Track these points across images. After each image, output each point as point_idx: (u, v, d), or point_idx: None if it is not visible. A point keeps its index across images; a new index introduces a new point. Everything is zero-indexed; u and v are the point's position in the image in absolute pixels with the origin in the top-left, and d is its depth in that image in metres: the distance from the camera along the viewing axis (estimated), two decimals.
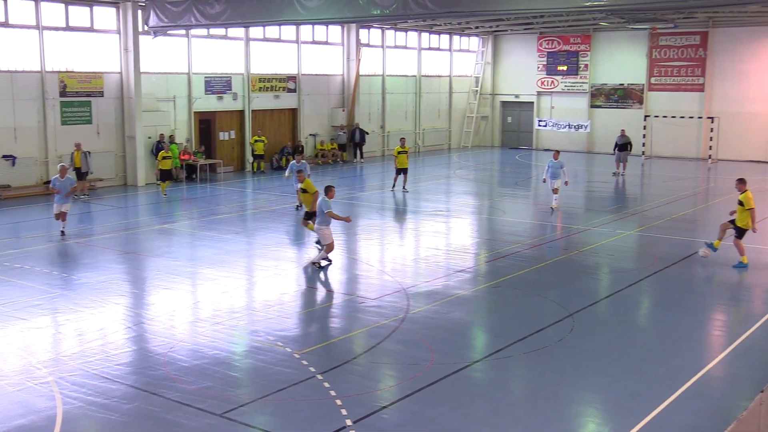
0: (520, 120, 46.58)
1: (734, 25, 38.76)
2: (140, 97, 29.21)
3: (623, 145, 33.94)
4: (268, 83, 35.08)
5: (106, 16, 28.82)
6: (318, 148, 37.67)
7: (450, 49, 45.17)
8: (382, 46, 40.85)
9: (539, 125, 44.02)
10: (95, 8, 28.42)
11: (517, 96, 46.18)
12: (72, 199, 21.09)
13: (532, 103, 45.42)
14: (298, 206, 23.21)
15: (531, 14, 35.22)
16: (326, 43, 37.78)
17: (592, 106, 43.44)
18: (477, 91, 46.72)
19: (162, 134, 30.07)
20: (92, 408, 9.68)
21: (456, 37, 45.32)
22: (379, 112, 41.17)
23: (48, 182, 25.58)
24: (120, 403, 9.82)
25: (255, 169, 33.60)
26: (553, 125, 42.99)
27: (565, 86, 44.08)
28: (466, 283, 15.93)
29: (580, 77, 43.52)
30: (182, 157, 30.79)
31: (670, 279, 16.35)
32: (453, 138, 46.16)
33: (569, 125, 42.30)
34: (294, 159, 24.77)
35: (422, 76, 43.44)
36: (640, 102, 41.85)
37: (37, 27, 26.84)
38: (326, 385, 10.39)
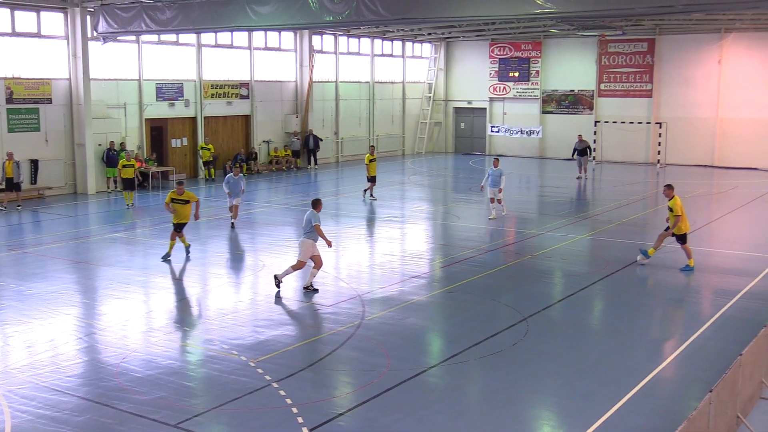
0: (473, 126, 46.94)
1: (680, 33, 39.60)
2: (90, 104, 28.77)
3: (582, 150, 34.53)
4: (220, 90, 34.83)
5: (53, 21, 28.34)
6: (272, 154, 37.50)
7: (403, 56, 45.35)
8: (335, 53, 40.86)
9: (492, 131, 44.42)
10: (42, 13, 27.93)
11: (469, 102, 46.55)
12: None
13: (485, 109, 45.82)
14: (233, 223, 22.33)
15: (482, 21, 35.61)
16: (279, 49, 37.66)
17: (544, 112, 43.98)
18: (430, 97, 46.98)
19: (112, 141, 29.65)
20: (42, 421, 9.49)
21: (409, 44, 45.54)
22: (333, 118, 41.15)
23: None
24: (71, 416, 9.65)
25: (207, 176, 33.27)
26: (505, 131, 43.45)
27: (517, 92, 44.56)
28: (422, 288, 15.99)
29: (532, 83, 44.04)
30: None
31: (621, 282, 16.62)
32: (407, 144, 46.33)
33: (521, 131, 42.81)
34: (231, 171, 22.77)
35: (375, 82, 43.54)
36: (591, 108, 42.49)
37: None
38: (282, 393, 10.34)
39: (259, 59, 36.66)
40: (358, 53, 42.34)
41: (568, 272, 17.50)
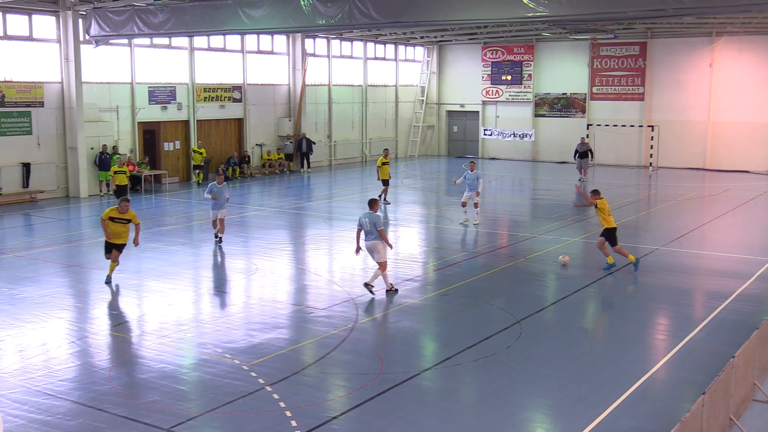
0: (465, 129, 47.00)
1: (672, 36, 39.75)
2: (82, 108, 28.69)
3: (584, 153, 34.62)
4: (213, 93, 34.79)
5: (45, 24, 28.26)
6: (265, 158, 37.47)
7: (396, 59, 45.40)
8: (328, 56, 40.86)
9: (485, 134, 44.49)
10: (34, 17, 27.86)
11: (462, 105, 46.61)
12: None
13: (478, 112, 45.87)
14: (218, 237, 20.28)
15: (474, 24, 35.66)
16: (272, 52, 37.65)
17: (537, 115, 44.06)
18: (423, 100, 47.02)
19: (105, 145, 29.59)
20: (35, 425, 9.45)
21: (401, 47, 45.58)
22: (326, 121, 41.16)
23: None
24: (64, 420, 9.61)
25: (198, 179, 33.16)
26: (498, 134, 43.52)
27: (510, 96, 44.64)
28: (415, 291, 15.99)
29: (524, 87, 44.12)
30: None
31: (613, 285, 16.66)
32: (400, 147, 46.35)
33: (514, 134, 42.88)
34: (216, 179, 20.57)
35: (368, 85, 43.55)
36: (583, 111, 42.59)
37: None
38: (275, 396, 10.33)
39: (252, 62, 36.64)
40: (351, 56, 42.35)
41: (560, 275, 17.52)
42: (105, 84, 30.41)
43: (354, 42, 42.23)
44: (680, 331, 13.40)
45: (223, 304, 15.15)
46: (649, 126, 40.08)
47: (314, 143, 38.72)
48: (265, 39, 36.99)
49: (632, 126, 40.66)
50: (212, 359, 11.80)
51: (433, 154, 47.43)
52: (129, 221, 16.17)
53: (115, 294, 15.69)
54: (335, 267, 18.60)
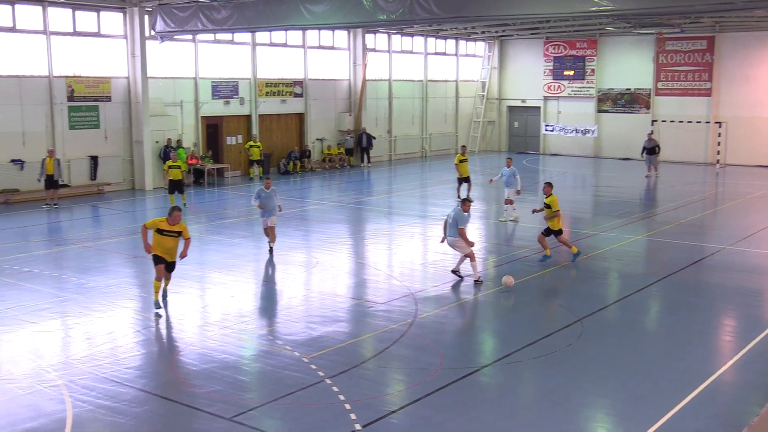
0: (527, 125, 46.56)
1: (741, 30, 38.68)
2: (147, 102, 29.29)
3: (651, 149, 34.03)
4: (274, 88, 35.14)
5: (113, 21, 28.92)
6: (325, 152, 37.72)
7: (456, 54, 45.20)
8: (389, 51, 40.90)
9: (546, 130, 43.98)
10: (102, 13, 28.52)
11: (523, 101, 46.18)
12: None
13: (539, 107, 45.40)
14: (271, 248, 18.63)
15: (537, 19, 35.23)
16: (332, 47, 37.84)
17: (599, 111, 43.39)
18: (483, 95, 46.73)
19: (169, 139, 30.15)
20: (102, 411, 9.69)
21: (462, 42, 45.36)
22: (386, 116, 41.22)
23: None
24: (129, 407, 9.84)
25: (252, 175, 33.43)
26: (560, 130, 42.97)
27: (572, 91, 44.04)
28: (475, 287, 15.91)
29: (587, 82, 43.48)
30: (190, 162, 30.85)
31: (678, 284, 16.31)
32: (460, 142, 46.06)
33: (576, 130, 42.29)
34: (263, 183, 19.00)
35: (429, 80, 43.47)
36: (647, 107, 41.78)
37: (44, 32, 26.94)
38: (335, 389, 10.39)
39: (313, 58, 36.89)
40: (411, 51, 42.31)
41: (623, 273, 17.24)
42: (170, 79, 30.96)
43: (414, 37, 42.18)
44: (748, 332, 13.05)
45: (283, 297, 15.29)
46: (716, 122, 39.09)
47: (374, 138, 38.82)
48: (326, 34, 37.19)
49: (699, 122, 39.70)
50: (273, 351, 11.94)
51: (493, 150, 47.11)
52: (179, 234, 13.73)
53: (179, 285, 15.96)
54: (395, 262, 18.62)
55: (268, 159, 34.44)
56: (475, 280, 15.81)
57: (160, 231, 13.53)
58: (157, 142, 30.08)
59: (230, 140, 33.83)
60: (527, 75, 45.54)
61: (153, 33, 29.06)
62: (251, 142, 33.55)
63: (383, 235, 21.78)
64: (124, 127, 29.45)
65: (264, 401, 10.03)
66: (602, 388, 10.73)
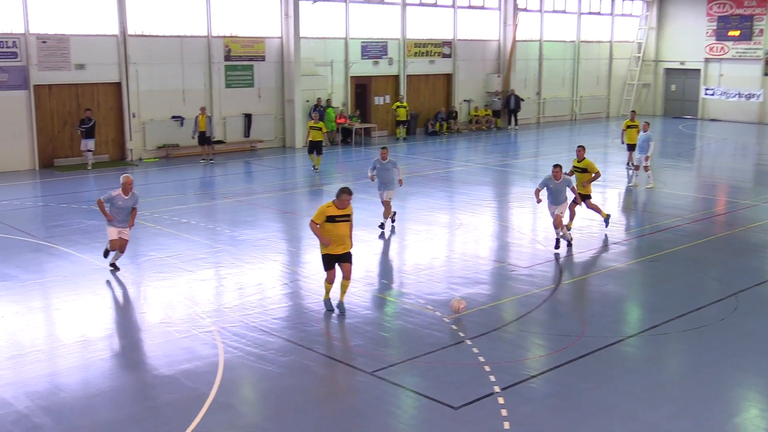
0: (684, 88, 44.34)
1: None
2: (299, 62, 29.97)
3: None
4: (423, 48, 35.09)
5: None
6: (472, 114, 37.44)
7: (612, 14, 43.49)
8: (540, 11, 39.88)
9: (706, 94, 41.79)
10: None
11: (682, 63, 43.94)
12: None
13: (699, 70, 43.08)
14: (383, 223, 17.26)
15: None
16: (482, 7, 37.27)
17: (766, 74, 40.67)
18: (639, 57, 44.81)
19: (319, 98, 30.79)
20: (251, 358, 10.14)
21: (618, 1, 43.55)
22: (536, 78, 40.35)
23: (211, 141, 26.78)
24: (276, 356, 10.24)
25: (398, 135, 33.65)
26: (721, 94, 40.73)
27: (737, 53, 41.47)
28: (622, 255, 15.45)
29: (754, 43, 40.80)
30: (338, 121, 31.44)
31: None
32: (612, 106, 44.62)
33: (740, 94, 39.91)
34: (380, 154, 17.43)
35: (581, 41, 42.12)
36: None
37: None
38: (475, 350, 10.41)
39: (463, 18, 36.50)
40: (563, 11, 41.08)
41: None
42: (321, 39, 31.53)
43: None
44: None
45: (426, 257, 15.39)
46: None
47: (523, 100, 38.13)
48: None
49: None
50: (414, 310, 12.07)
51: (647, 114, 45.20)
52: (349, 217, 11.75)
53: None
54: (539, 226, 18.33)
55: (414, 120, 34.58)
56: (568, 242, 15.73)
57: (331, 218, 11.41)
58: (307, 101, 30.80)
59: (378, 100, 34.18)
60: (687, 35, 43.22)
61: None
62: (398, 103, 33.74)
63: (528, 199, 21.43)
64: (276, 86, 30.31)
65: (404, 358, 10.18)
66: (757, 367, 10.19)
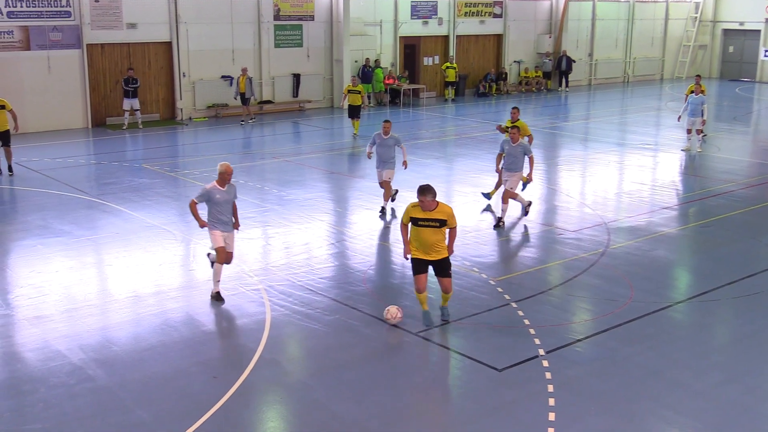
0: (743, 50, 43.05)
1: None
2: (348, 22, 29.79)
3: None
4: (474, 8, 34.60)
5: None
6: (522, 75, 36.92)
7: None
8: None
9: (765, 56, 40.55)
10: None
11: (741, 23, 42.62)
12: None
13: (759, 31, 41.75)
14: (383, 208, 15.51)
15: None
16: None
17: None
18: (696, 17, 43.57)
19: (368, 58, 30.63)
20: (297, 317, 10.27)
21: None
22: (588, 39, 39.54)
23: (261, 102, 26.85)
24: (322, 315, 10.35)
25: (447, 96, 33.39)
26: None
27: None
28: (672, 220, 15.20)
29: None
30: (386, 82, 31.29)
31: None
32: (666, 68, 43.58)
33: None
34: (382, 127, 15.57)
35: (636, 1, 41.08)
36: None
37: None
38: (520, 313, 10.39)
39: None
40: None
41: None
42: None
43: None
44: None
45: (473, 219, 15.33)
46: None
47: (574, 61, 37.44)
48: None
49: None
50: (460, 271, 12.06)
51: (703, 76, 44.03)
52: (442, 224, 9.75)
53: (373, 202, 16.39)
54: (588, 190, 18.11)
55: (463, 81, 34.25)
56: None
57: (414, 220, 9.85)
58: (356, 61, 30.67)
59: (427, 61, 33.89)
60: None
61: None
62: (447, 63, 33.42)
63: (577, 162, 21.19)
64: (325, 46, 30.22)
65: (450, 319, 10.19)
66: None
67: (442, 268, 9.90)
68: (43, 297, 10.95)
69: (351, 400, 8.16)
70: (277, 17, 28.74)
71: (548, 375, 8.61)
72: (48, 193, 16.80)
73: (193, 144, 23.83)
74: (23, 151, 20.83)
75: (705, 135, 22.19)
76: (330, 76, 30.49)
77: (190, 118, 27.32)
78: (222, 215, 10.62)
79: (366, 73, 30.50)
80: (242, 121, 26.73)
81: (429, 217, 9.68)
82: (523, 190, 15.86)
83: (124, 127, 25.06)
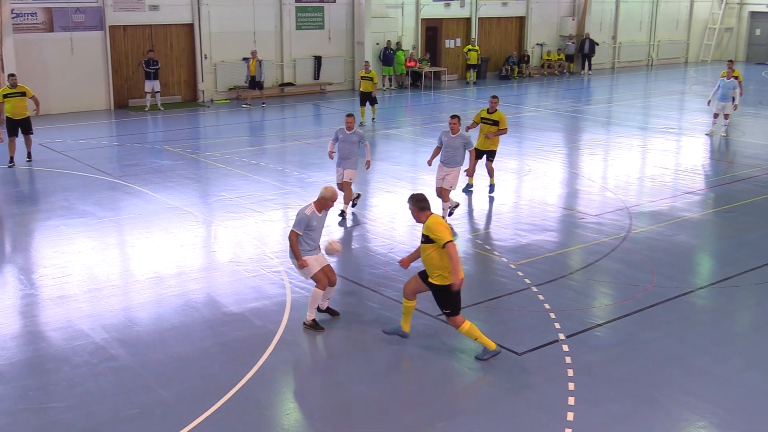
0: None
1: None
2: (370, 3, 29.66)
3: None
4: None
5: None
6: (544, 58, 36.65)
7: None
8: None
9: None
10: None
11: None
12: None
13: None
14: (342, 211, 14.04)
15: None
16: None
17: None
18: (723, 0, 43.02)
19: (389, 41, 30.52)
20: None
21: None
22: (612, 21, 39.13)
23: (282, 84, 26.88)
24: (342, 297, 10.38)
25: (468, 79, 33.21)
26: None
27: None
28: (695, 205, 15.08)
29: None
30: (408, 64, 31.17)
31: None
32: (691, 51, 43.07)
33: None
34: (345, 122, 14.14)
35: None
36: None
37: None
38: (540, 297, 10.36)
39: None
40: None
41: None
42: None
43: None
44: None
45: (494, 203, 15.28)
46: None
47: (597, 44, 37.09)
48: None
49: None
50: (481, 255, 12.04)
51: (728, 60, 43.54)
52: (431, 241, 8.54)
53: (392, 185, 16.38)
54: (610, 174, 17.99)
55: (485, 64, 34.06)
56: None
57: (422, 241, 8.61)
58: (377, 43, 30.56)
59: (449, 43, 33.72)
60: None
61: None
62: (469, 46, 33.23)
63: (599, 146, 21.05)
64: (346, 28, 30.13)
65: (469, 303, 10.18)
66: None
67: (436, 299, 8.62)
68: (67, 277, 11.07)
69: (371, 382, 8.20)
70: None
71: (568, 359, 8.60)
72: (71, 174, 16.93)
73: (215, 126, 23.90)
74: (46, 132, 21.00)
75: (717, 117, 21.83)
76: (351, 58, 30.42)
77: (212, 100, 27.38)
78: (314, 241, 9.49)
79: (387, 56, 30.40)
80: (247, 103, 26.37)
81: (423, 232, 8.57)
82: (491, 192, 15.56)
83: (146, 109, 25.17)
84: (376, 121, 23.75)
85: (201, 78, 27.21)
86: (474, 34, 33.77)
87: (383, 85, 30.89)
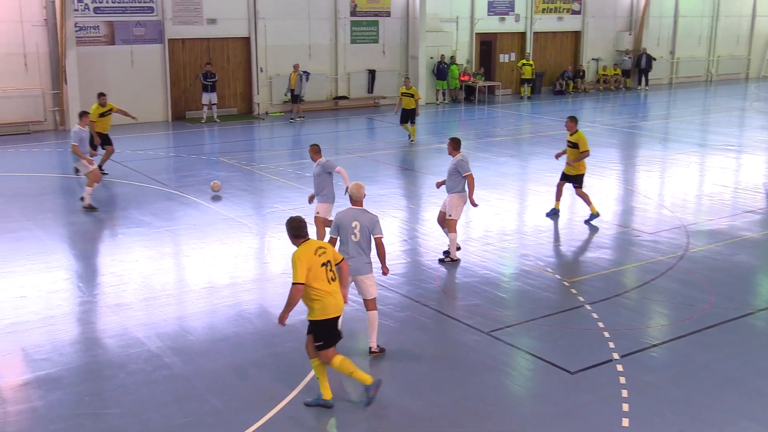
0: None
1: None
2: (425, 18, 29.76)
3: None
4: (552, 4, 34.15)
5: None
6: (600, 73, 36.28)
7: None
8: None
9: None
10: None
11: None
12: None
13: None
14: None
15: None
16: None
17: None
18: None
19: (443, 55, 30.54)
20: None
21: None
22: (670, 36, 38.58)
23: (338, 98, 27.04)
24: (394, 311, 10.37)
25: (522, 94, 33.01)
26: None
27: None
28: (756, 224, 14.72)
29: None
30: (462, 79, 31.15)
31: None
32: (752, 66, 42.22)
33: None
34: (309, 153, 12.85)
35: None
36: None
37: None
38: (594, 315, 10.21)
39: None
40: None
41: None
42: None
43: None
44: None
45: (546, 219, 15.14)
46: None
47: (654, 59, 36.59)
48: None
49: None
50: (533, 272, 11.93)
51: None
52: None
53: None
54: (666, 191, 17.69)
55: (540, 78, 33.84)
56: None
57: None
58: (431, 57, 30.61)
59: (503, 58, 33.61)
60: None
61: None
62: (524, 61, 33.07)
63: (656, 163, 20.71)
64: (401, 42, 30.25)
65: (521, 320, 10.10)
66: None
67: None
68: (124, 285, 11.27)
69: (421, 398, 8.16)
70: (353, 13, 28.90)
71: (622, 380, 8.44)
72: (129, 185, 17.28)
73: (269, 138, 24.17)
74: None
75: None
76: (405, 72, 30.50)
77: (267, 113, 27.70)
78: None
79: (441, 70, 30.43)
80: (291, 119, 26.42)
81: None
82: (588, 221, 14.61)
83: (203, 121, 25.56)
84: (414, 142, 22.87)
85: (257, 91, 27.56)
86: (529, 48, 33.60)
87: (436, 99, 30.90)
